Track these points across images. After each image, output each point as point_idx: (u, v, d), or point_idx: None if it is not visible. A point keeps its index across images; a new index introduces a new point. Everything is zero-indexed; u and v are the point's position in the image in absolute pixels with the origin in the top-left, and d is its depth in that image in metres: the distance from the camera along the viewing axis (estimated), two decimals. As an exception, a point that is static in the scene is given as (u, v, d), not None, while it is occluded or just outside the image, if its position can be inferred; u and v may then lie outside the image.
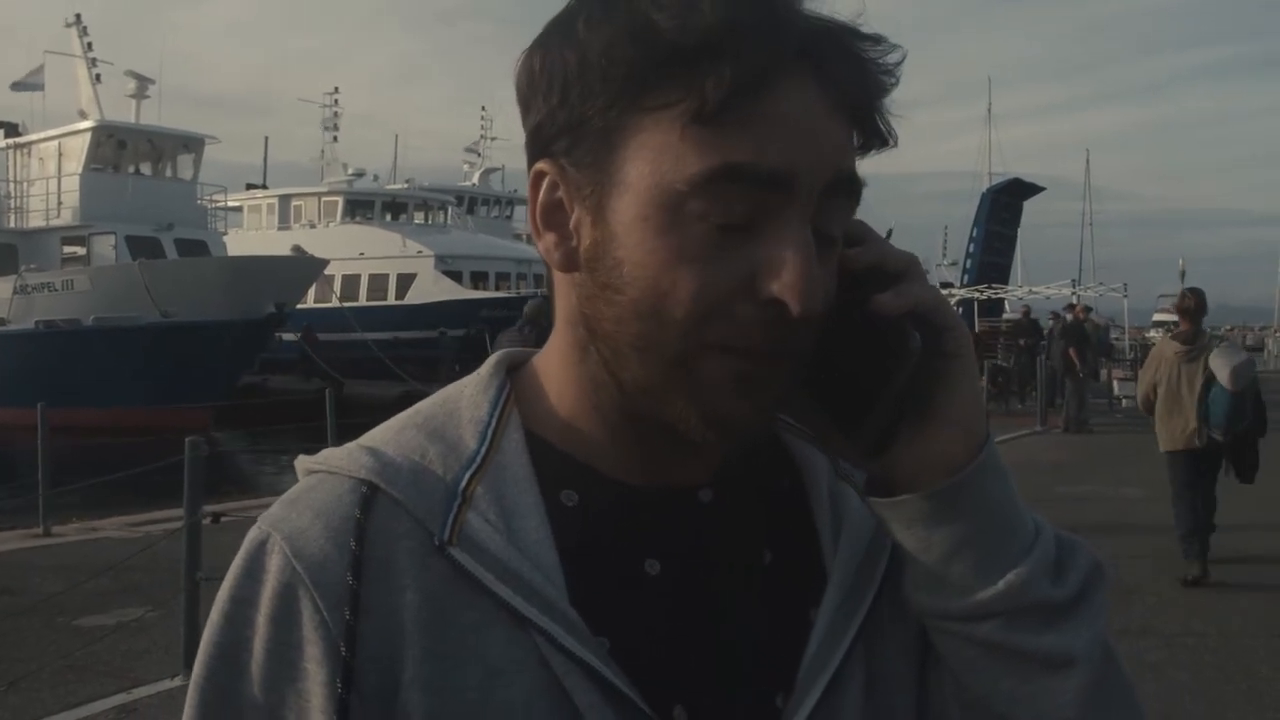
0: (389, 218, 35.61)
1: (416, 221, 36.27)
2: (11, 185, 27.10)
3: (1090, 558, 0.78)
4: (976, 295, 29.22)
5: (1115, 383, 22.51)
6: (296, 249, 25.18)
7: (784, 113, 0.68)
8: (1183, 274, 36.32)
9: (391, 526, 0.73)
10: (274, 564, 0.72)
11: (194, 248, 26.13)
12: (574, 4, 0.73)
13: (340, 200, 35.90)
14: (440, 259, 32.40)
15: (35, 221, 26.41)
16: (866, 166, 0.75)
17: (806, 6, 0.71)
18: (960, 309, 27.23)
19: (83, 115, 27.20)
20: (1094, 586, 0.77)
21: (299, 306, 25.06)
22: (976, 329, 26.75)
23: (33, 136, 27.51)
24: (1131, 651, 5.74)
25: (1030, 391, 21.55)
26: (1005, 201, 37.39)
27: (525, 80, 0.75)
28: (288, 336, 26.74)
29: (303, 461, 0.79)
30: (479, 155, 49.85)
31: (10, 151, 27.48)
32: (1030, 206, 39.61)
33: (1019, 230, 39.25)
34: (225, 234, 29.33)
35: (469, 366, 0.92)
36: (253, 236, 34.94)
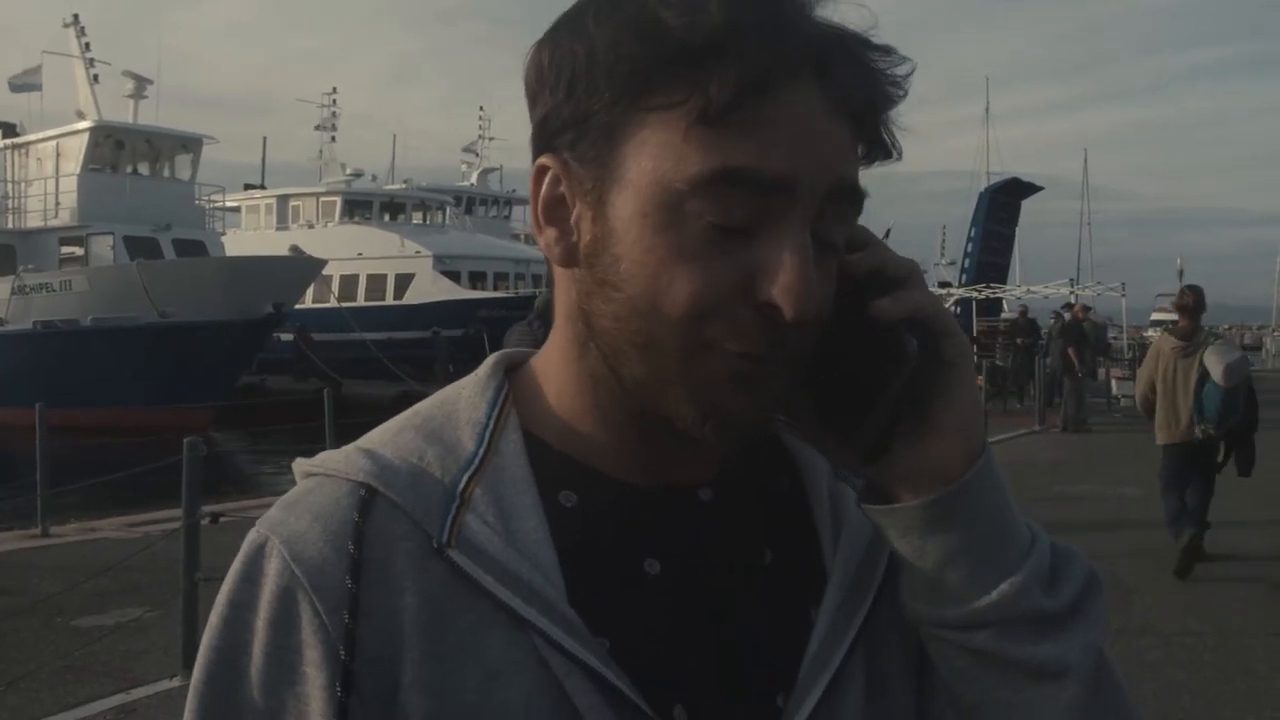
0: (387, 218, 35.59)
1: (415, 221, 36.26)
2: (9, 185, 27.06)
3: (1086, 568, 0.78)
4: (975, 295, 29.22)
5: (1113, 382, 22.52)
6: (294, 249, 25.17)
7: (787, 116, 0.68)
8: (1181, 273, 36.38)
9: (390, 529, 0.73)
10: (272, 568, 0.72)
11: (192, 248, 26.10)
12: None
13: (338, 200, 35.88)
14: (438, 259, 32.40)
15: (33, 222, 26.38)
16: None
17: (817, 13, 0.71)
18: (958, 308, 27.27)
19: (80, 115, 27.18)
20: (1089, 597, 0.77)
21: (297, 306, 25.05)
22: (975, 328, 26.77)
23: (30, 137, 27.48)
24: (1130, 650, 5.75)
25: (1028, 391, 21.56)
26: (1003, 201, 37.39)
27: (534, 74, 0.75)
28: (284, 336, 26.72)
29: (300, 464, 0.79)
30: (477, 155, 49.85)
31: (8, 152, 27.44)
32: (1028, 206, 39.63)
33: (1017, 229, 39.25)
34: (223, 234, 29.30)
35: (463, 365, 0.92)
36: (251, 237, 34.92)
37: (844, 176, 0.71)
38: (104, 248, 25.42)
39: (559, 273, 0.78)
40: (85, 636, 6.18)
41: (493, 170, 48.39)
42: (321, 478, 0.76)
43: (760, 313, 0.69)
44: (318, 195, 36.71)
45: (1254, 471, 7.62)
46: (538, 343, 0.86)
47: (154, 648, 6.01)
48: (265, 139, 50.78)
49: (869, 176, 0.75)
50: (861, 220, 0.76)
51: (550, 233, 0.75)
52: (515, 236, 43.10)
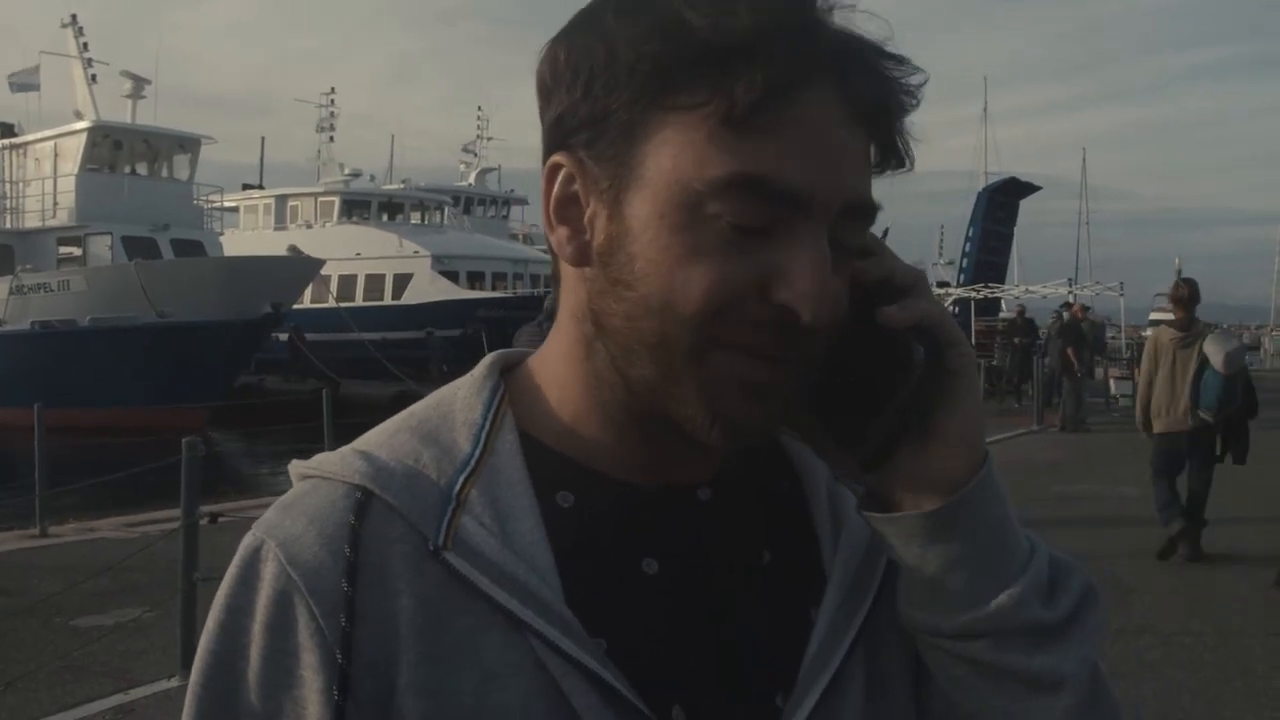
0: (385, 218, 35.58)
1: (413, 222, 36.25)
2: (7, 186, 27.05)
3: (1084, 580, 0.78)
4: (973, 294, 29.24)
5: (1111, 382, 22.53)
6: (293, 249, 25.16)
7: (808, 123, 0.68)
8: (1179, 273, 36.32)
9: (386, 532, 0.72)
10: (269, 571, 0.72)
11: (190, 248, 26.09)
12: None
13: (336, 200, 35.87)
14: (437, 259, 32.38)
15: (31, 222, 26.37)
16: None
17: (836, 21, 0.71)
18: (956, 308, 27.29)
19: (78, 115, 27.17)
20: (1086, 609, 0.77)
21: (295, 306, 25.04)
22: (973, 328, 26.78)
23: (28, 137, 27.47)
24: (1129, 650, 5.76)
25: (1026, 391, 21.57)
26: (1001, 200, 37.43)
27: (549, 71, 0.74)
28: (281, 336, 26.71)
29: (296, 466, 0.79)
30: (475, 155, 49.85)
31: (6, 152, 27.42)
32: (1026, 205, 39.68)
33: (1015, 229, 39.28)
34: (221, 234, 29.29)
35: (456, 365, 0.91)
36: (249, 237, 34.90)
37: (859, 193, 0.72)
38: (102, 248, 25.41)
39: (567, 272, 0.77)
40: (84, 636, 6.18)
41: (491, 170, 48.38)
42: (317, 480, 0.76)
43: (774, 315, 0.69)
44: (316, 195, 36.70)
45: (1254, 470, 7.66)
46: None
47: (152, 648, 6.01)
48: (263, 139, 50.92)
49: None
50: (874, 234, 0.77)
51: (562, 231, 0.75)
52: (513, 236, 43.10)
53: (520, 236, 44.09)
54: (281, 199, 37.33)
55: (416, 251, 32.55)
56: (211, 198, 28.64)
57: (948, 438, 0.74)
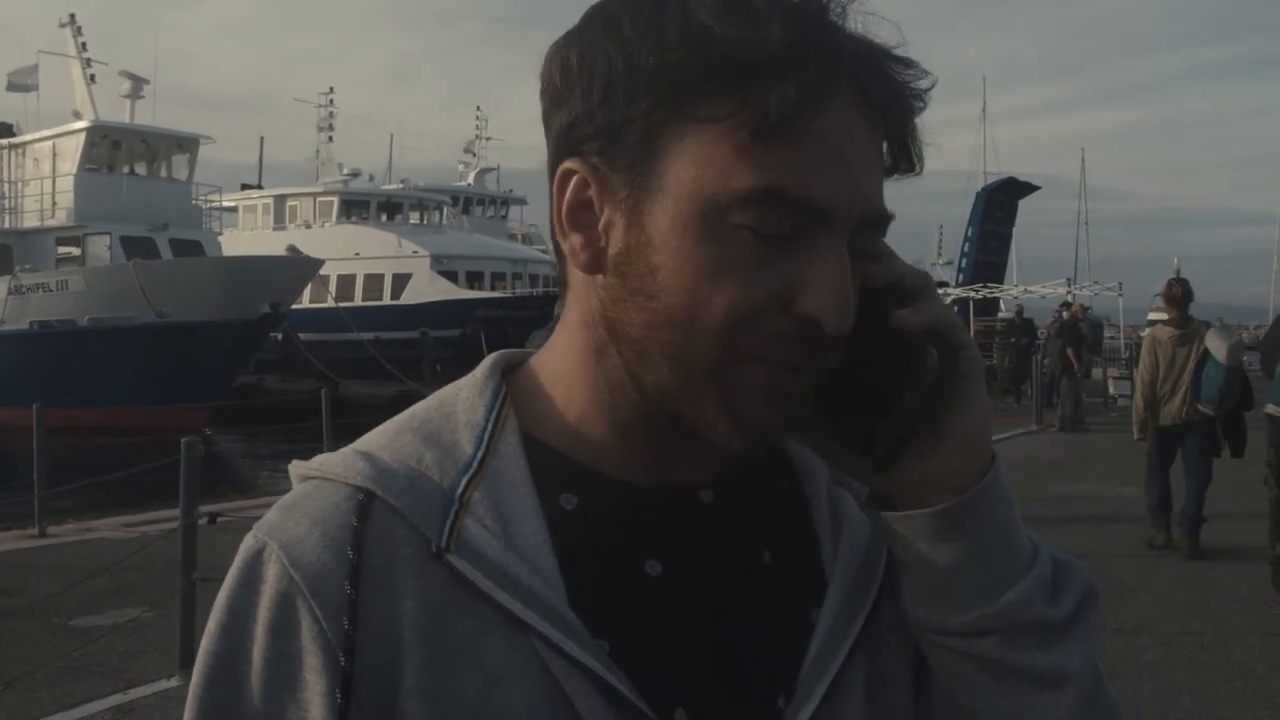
0: (384, 218, 35.57)
1: (412, 221, 36.23)
2: (6, 185, 27.03)
3: (1085, 579, 0.78)
4: (972, 294, 29.26)
5: (1110, 382, 22.54)
6: (291, 249, 25.16)
7: (830, 135, 0.69)
8: (1178, 273, 36.37)
9: (389, 534, 0.72)
10: (271, 573, 0.72)
11: (189, 248, 26.07)
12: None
13: (335, 200, 35.86)
14: (436, 259, 32.37)
15: (30, 222, 26.34)
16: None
17: (851, 26, 0.71)
18: (955, 308, 27.28)
19: (77, 115, 27.15)
20: (1088, 608, 0.77)
21: (294, 306, 25.02)
22: (972, 328, 26.81)
23: (27, 137, 27.44)
24: (1128, 650, 5.76)
25: (1024, 391, 21.58)
26: (1000, 200, 37.47)
27: (559, 75, 0.73)
28: (275, 336, 26.69)
29: (297, 467, 0.79)
30: (474, 155, 49.83)
31: (4, 152, 27.40)
32: (1025, 205, 39.72)
33: (1014, 229, 39.31)
34: (220, 234, 29.28)
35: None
36: (248, 237, 34.87)
37: (876, 204, 0.72)
38: (101, 248, 25.40)
39: (577, 277, 0.77)
40: (83, 637, 6.18)
41: (490, 170, 48.35)
42: (319, 481, 0.76)
43: (795, 325, 0.69)
44: (315, 195, 36.68)
45: (1253, 468, 7.68)
46: None
47: (151, 648, 6.00)
48: (262, 139, 50.86)
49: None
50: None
51: (576, 238, 0.74)
52: (512, 237, 43.10)
53: (519, 236, 44.10)
54: (280, 199, 37.31)
55: (415, 251, 32.54)
56: (210, 198, 28.61)
57: (957, 440, 0.74)
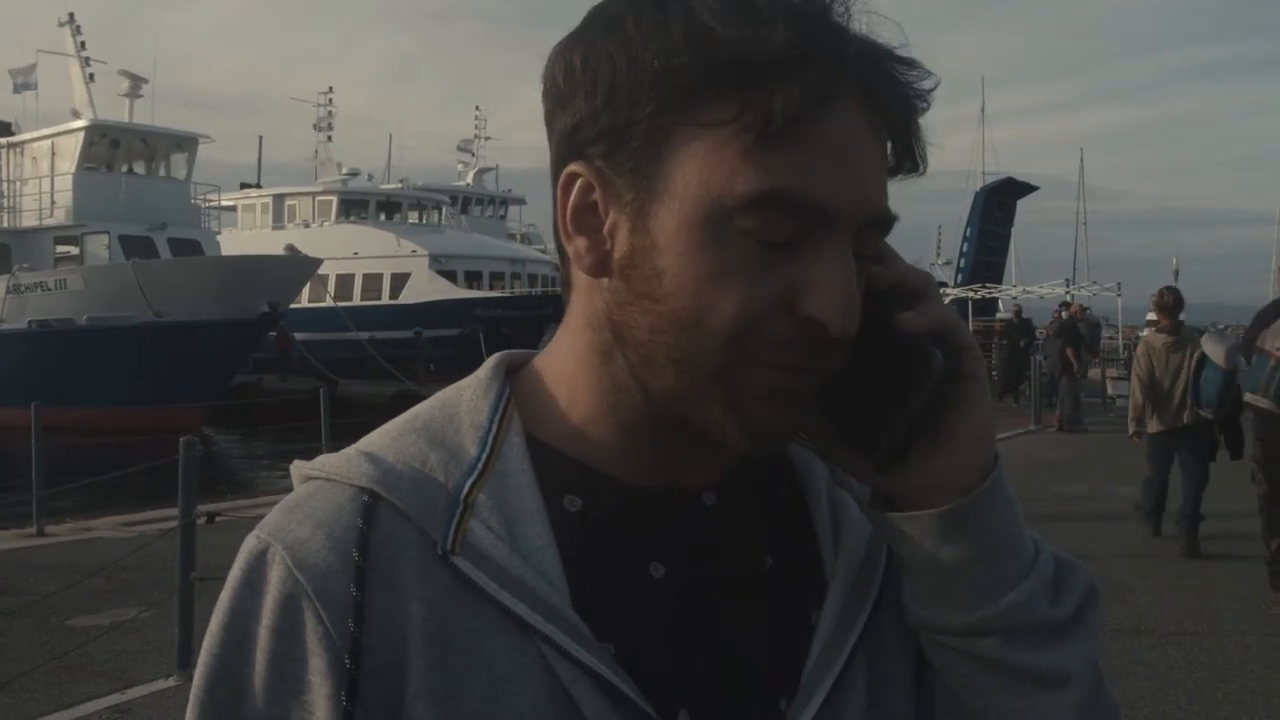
0: (383, 217, 35.55)
1: (411, 221, 36.22)
2: (4, 185, 27.00)
3: (1086, 579, 0.79)
4: (970, 294, 29.27)
5: (1108, 382, 22.53)
6: (290, 249, 25.13)
7: (835, 137, 0.68)
8: (1176, 273, 36.52)
9: (394, 536, 0.72)
10: (275, 575, 0.71)
11: (187, 247, 26.06)
12: (619, 0, 0.72)
13: (334, 200, 35.84)
14: (434, 258, 32.36)
15: (28, 221, 26.32)
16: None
17: (855, 26, 0.71)
18: (954, 308, 27.24)
19: (76, 114, 27.13)
20: (1089, 608, 0.78)
21: (293, 306, 25.01)
22: (970, 328, 26.73)
23: (26, 136, 27.42)
24: (1126, 650, 5.77)
25: (1023, 391, 21.58)
26: (999, 200, 37.51)
27: (562, 77, 0.73)
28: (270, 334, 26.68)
29: (299, 467, 0.78)
30: (473, 155, 49.82)
31: (3, 151, 27.38)
32: (1024, 205, 39.76)
33: (1013, 229, 39.35)
34: (219, 233, 29.26)
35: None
36: (247, 236, 34.84)
37: (880, 205, 0.72)
38: (99, 247, 25.39)
39: (582, 280, 0.76)
40: (80, 636, 6.18)
41: (489, 170, 48.36)
42: (322, 482, 0.75)
43: (801, 328, 0.69)
44: (314, 194, 36.65)
45: (1247, 466, 7.69)
46: None
47: (149, 648, 6.00)
48: (261, 139, 50.96)
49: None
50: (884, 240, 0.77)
51: (580, 241, 0.74)
52: (511, 236, 43.12)
53: (518, 236, 44.11)
54: (279, 198, 37.29)
55: (414, 251, 32.54)
56: (209, 197, 28.61)
57: (960, 441, 0.75)
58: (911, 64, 0.72)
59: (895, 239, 0.77)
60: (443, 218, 37.84)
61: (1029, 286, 31.88)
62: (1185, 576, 7.59)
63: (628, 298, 0.72)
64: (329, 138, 45.10)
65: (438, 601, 0.71)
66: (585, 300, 0.77)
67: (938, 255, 64.10)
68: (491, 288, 33.68)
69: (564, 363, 0.79)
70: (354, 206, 35.79)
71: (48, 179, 25.88)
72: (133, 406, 20.65)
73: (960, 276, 35.60)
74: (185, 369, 21.28)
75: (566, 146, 0.74)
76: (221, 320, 21.62)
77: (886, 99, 0.71)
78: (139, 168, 27.58)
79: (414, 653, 0.70)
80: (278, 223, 36.17)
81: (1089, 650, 0.76)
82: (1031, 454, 14.08)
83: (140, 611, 6.34)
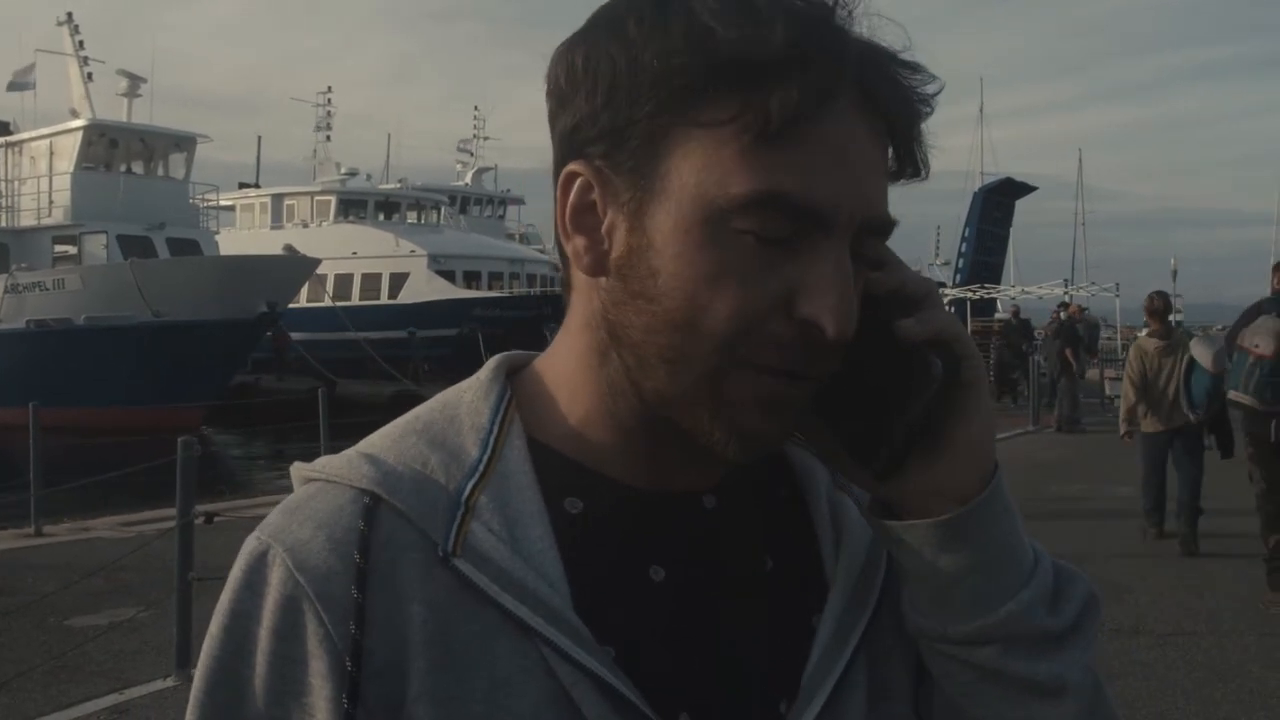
0: (382, 217, 35.55)
1: (409, 221, 36.22)
2: (2, 184, 26.98)
3: (1086, 588, 0.78)
4: (969, 295, 29.27)
5: (1106, 382, 22.53)
6: (288, 248, 25.12)
7: (833, 139, 0.68)
8: (1174, 273, 36.50)
9: (395, 538, 0.72)
10: (275, 577, 0.71)
11: (186, 247, 26.06)
12: (621, 1, 0.72)
13: (333, 200, 35.83)
14: (433, 258, 32.36)
15: (26, 220, 26.31)
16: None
17: (856, 30, 0.70)
18: (952, 308, 27.29)
19: (74, 114, 27.12)
20: (1089, 617, 0.77)
21: (292, 306, 24.99)
22: (969, 329, 26.72)
23: (24, 135, 27.41)
24: (1124, 650, 5.77)
25: (1021, 391, 21.59)
26: (997, 201, 37.51)
27: (564, 77, 0.73)
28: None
29: (299, 469, 0.78)
30: (472, 155, 49.84)
31: (1, 150, 27.36)
32: (1022, 206, 39.74)
33: (1011, 230, 39.35)
34: (217, 233, 29.24)
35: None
36: (245, 236, 34.83)
37: (879, 209, 0.72)
38: (97, 247, 25.38)
39: (581, 280, 0.76)
40: (79, 636, 6.17)
41: (488, 170, 48.37)
42: (323, 483, 0.75)
43: (797, 330, 0.69)
44: (312, 194, 36.64)
45: (1243, 465, 7.71)
46: None
47: (147, 648, 6.00)
48: (260, 138, 50.96)
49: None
50: (886, 245, 0.77)
51: (579, 241, 0.74)
52: (510, 236, 43.12)
53: (517, 236, 44.11)
54: (278, 198, 37.28)
55: (413, 251, 32.54)
56: (207, 197, 28.60)
57: (960, 449, 0.74)
58: (915, 68, 0.72)
59: (893, 239, 0.77)
60: (441, 218, 37.83)
61: (1027, 287, 31.88)
62: (1184, 576, 7.60)
63: (624, 297, 0.72)
64: (328, 137, 45.20)
65: (439, 603, 0.70)
66: (584, 301, 0.77)
67: (936, 255, 64.15)
68: (490, 288, 33.69)
69: (564, 364, 0.79)
70: (352, 206, 35.79)
71: (46, 178, 25.87)
72: (131, 406, 20.64)
73: (958, 277, 35.59)
74: (183, 369, 21.27)
75: (567, 146, 0.74)
76: (220, 320, 21.62)
77: (888, 101, 0.70)
78: (137, 167, 27.57)
79: (415, 655, 0.70)
80: (276, 223, 36.16)
81: (1088, 660, 0.76)
82: (1030, 454, 14.09)
83: (138, 612, 6.34)
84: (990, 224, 37.09)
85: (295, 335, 26.26)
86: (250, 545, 0.74)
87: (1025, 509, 0.77)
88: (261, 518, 0.76)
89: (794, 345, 0.69)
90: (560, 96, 0.74)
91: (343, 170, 39.66)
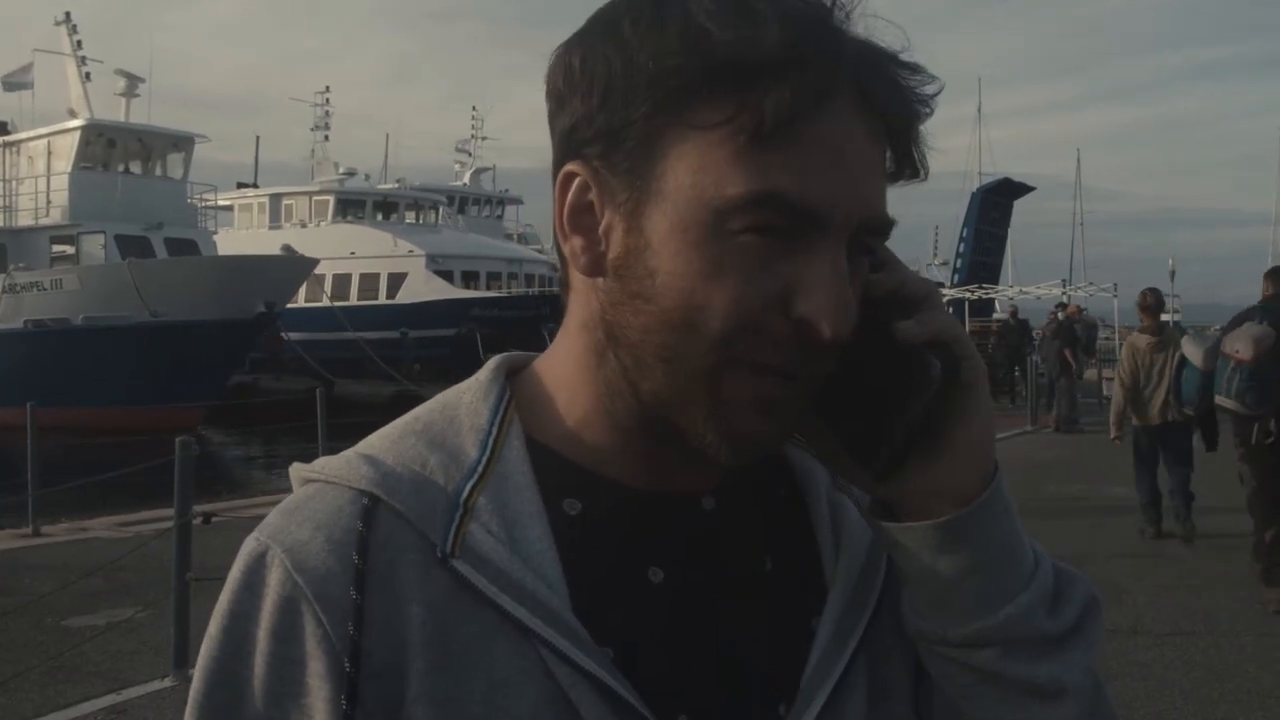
0: (380, 217, 35.56)
1: (408, 221, 36.22)
2: (0, 184, 26.96)
3: (1086, 590, 0.78)
4: (967, 295, 29.28)
5: (1104, 382, 22.54)
6: (286, 248, 25.11)
7: (830, 138, 0.68)
8: (1173, 273, 36.47)
9: (394, 539, 0.72)
10: (274, 578, 0.71)
11: (184, 247, 26.05)
12: (619, 3, 0.72)
13: (331, 199, 35.83)
14: (431, 258, 32.37)
15: (24, 220, 26.30)
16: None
17: (854, 31, 0.70)
18: (951, 308, 27.27)
19: (72, 114, 27.10)
20: (1089, 619, 0.77)
21: (290, 306, 24.98)
22: (967, 329, 26.74)
23: (22, 135, 27.39)
24: (1122, 650, 5.77)
25: (1020, 391, 21.61)
26: (995, 201, 37.57)
27: (562, 78, 0.73)
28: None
29: (298, 470, 0.78)
30: (470, 155, 49.86)
31: (-1, 150, 27.37)
32: (1020, 206, 39.81)
33: (1009, 230, 39.39)
34: (215, 233, 29.23)
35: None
36: (244, 236, 34.84)
37: (877, 209, 0.72)
38: (95, 246, 25.36)
39: (579, 280, 0.76)
40: (76, 636, 6.17)
41: (486, 170, 48.38)
42: (322, 484, 0.75)
43: (793, 329, 0.69)
44: (310, 194, 36.64)
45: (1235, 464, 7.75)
46: None
47: (145, 648, 6.00)
48: (258, 138, 50.93)
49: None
50: (886, 246, 0.76)
51: (577, 241, 0.74)
52: (508, 236, 43.13)
53: (515, 236, 44.11)
54: (276, 198, 37.27)
55: (411, 251, 32.54)
56: (205, 196, 28.59)
57: (959, 451, 0.74)
58: (915, 69, 0.72)
59: (891, 239, 0.77)
60: (440, 218, 37.84)
61: (1025, 287, 31.87)
62: (1182, 576, 7.60)
63: (621, 298, 0.72)
64: (326, 138, 45.23)
65: (437, 604, 0.70)
66: (582, 301, 0.77)
67: (934, 256, 64.20)
68: (489, 288, 33.70)
69: (562, 365, 0.79)
70: (351, 206, 35.79)
71: (44, 178, 25.87)
72: (129, 406, 20.62)
73: (957, 277, 35.62)
74: (182, 369, 21.25)
75: (565, 146, 0.74)
76: (218, 320, 21.61)
77: (885, 102, 0.70)
78: (135, 167, 27.55)
79: (414, 656, 0.70)
80: (274, 222, 36.16)
81: (1088, 662, 0.76)
82: (1028, 454, 14.10)
83: (136, 612, 6.34)
84: (988, 224, 37.14)
85: (293, 335, 26.26)
86: (249, 546, 0.73)
87: (1023, 509, 0.77)
88: (260, 518, 0.76)
89: (790, 344, 0.69)
90: (559, 97, 0.74)
91: (341, 170, 39.67)
